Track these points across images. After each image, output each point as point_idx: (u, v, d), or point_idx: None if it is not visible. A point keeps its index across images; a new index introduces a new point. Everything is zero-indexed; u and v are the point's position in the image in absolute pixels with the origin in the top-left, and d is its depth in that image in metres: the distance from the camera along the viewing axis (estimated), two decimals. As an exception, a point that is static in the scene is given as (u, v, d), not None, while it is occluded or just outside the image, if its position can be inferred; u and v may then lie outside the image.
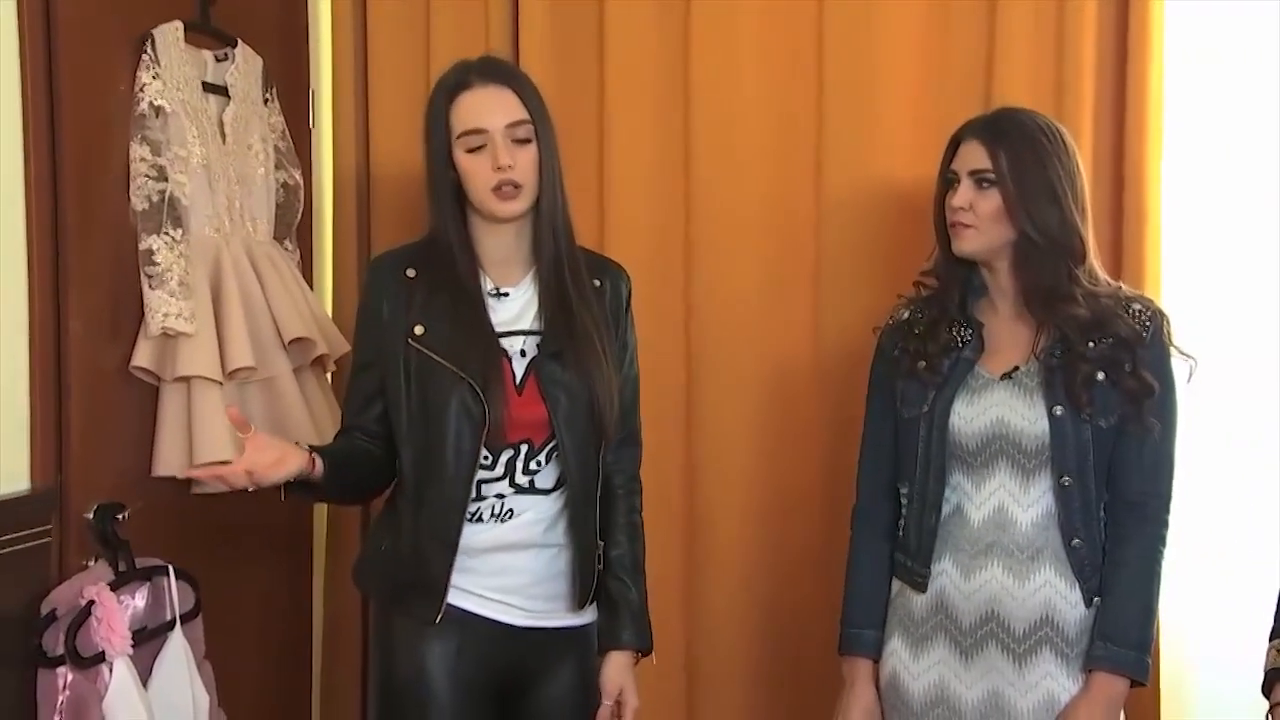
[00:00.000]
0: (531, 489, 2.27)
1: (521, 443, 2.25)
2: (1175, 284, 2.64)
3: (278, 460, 2.12)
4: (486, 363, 2.21)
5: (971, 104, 2.63)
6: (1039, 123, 2.29)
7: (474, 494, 2.24)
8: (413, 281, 2.27)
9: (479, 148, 2.22)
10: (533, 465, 2.27)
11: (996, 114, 2.33)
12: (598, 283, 2.34)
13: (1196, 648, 2.69)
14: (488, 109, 2.22)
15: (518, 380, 2.25)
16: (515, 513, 2.27)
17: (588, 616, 2.35)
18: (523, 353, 2.26)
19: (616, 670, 2.33)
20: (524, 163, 2.22)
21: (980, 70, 2.73)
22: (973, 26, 2.75)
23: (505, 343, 2.26)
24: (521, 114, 2.23)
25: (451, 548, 2.23)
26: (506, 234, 2.29)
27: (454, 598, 2.26)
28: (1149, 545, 2.24)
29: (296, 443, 2.19)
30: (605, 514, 2.35)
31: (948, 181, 2.30)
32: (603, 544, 2.33)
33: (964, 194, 2.25)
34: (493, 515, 2.26)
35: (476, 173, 2.22)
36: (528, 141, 2.23)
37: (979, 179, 2.25)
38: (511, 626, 2.28)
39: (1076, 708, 2.20)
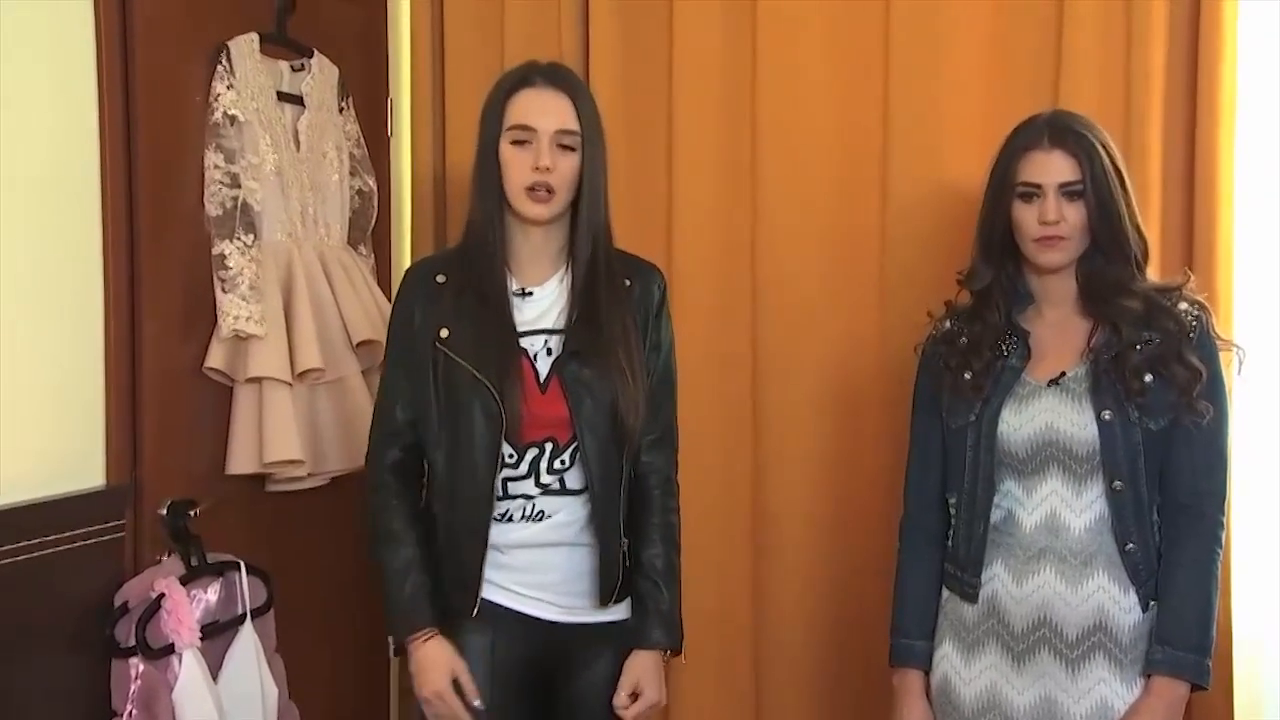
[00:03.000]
0: (562, 490, 2.31)
1: (545, 441, 2.28)
2: (1247, 290, 2.59)
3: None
4: (504, 362, 2.25)
5: (1039, 106, 2.55)
6: (1096, 126, 2.28)
7: (500, 492, 2.28)
8: (442, 287, 2.32)
9: (524, 142, 2.26)
10: (557, 464, 2.30)
11: (1065, 120, 2.29)
12: (627, 282, 2.36)
13: (1272, 664, 2.63)
14: (542, 110, 2.27)
15: (541, 379, 2.28)
16: (546, 514, 2.31)
17: (623, 612, 2.38)
18: (548, 351, 2.30)
19: (638, 665, 2.34)
20: (563, 168, 2.26)
21: (1048, 72, 2.70)
22: (1040, 27, 2.72)
23: (527, 341, 2.29)
24: (573, 124, 2.26)
25: (482, 542, 2.27)
26: (535, 234, 2.33)
27: (489, 593, 2.30)
28: (1204, 546, 2.21)
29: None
30: (639, 515, 2.37)
31: (1024, 194, 2.25)
32: (627, 542, 2.34)
33: (1056, 207, 2.22)
34: (524, 516, 2.30)
35: (516, 167, 2.26)
36: (572, 150, 2.26)
37: (1069, 191, 2.22)
38: (545, 621, 2.33)
39: (1138, 713, 2.18)
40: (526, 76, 2.31)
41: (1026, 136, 2.27)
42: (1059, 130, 2.25)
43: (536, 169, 2.24)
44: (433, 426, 2.30)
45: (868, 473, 2.87)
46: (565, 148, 2.26)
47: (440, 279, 2.33)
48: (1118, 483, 2.19)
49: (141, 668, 2.30)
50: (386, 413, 2.36)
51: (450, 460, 2.29)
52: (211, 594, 2.47)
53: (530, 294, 2.33)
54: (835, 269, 2.89)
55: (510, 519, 2.30)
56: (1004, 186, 2.28)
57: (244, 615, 2.51)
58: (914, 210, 2.79)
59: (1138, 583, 2.20)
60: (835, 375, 2.91)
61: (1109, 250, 2.24)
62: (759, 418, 2.95)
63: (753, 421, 2.96)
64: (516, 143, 2.27)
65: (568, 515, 2.31)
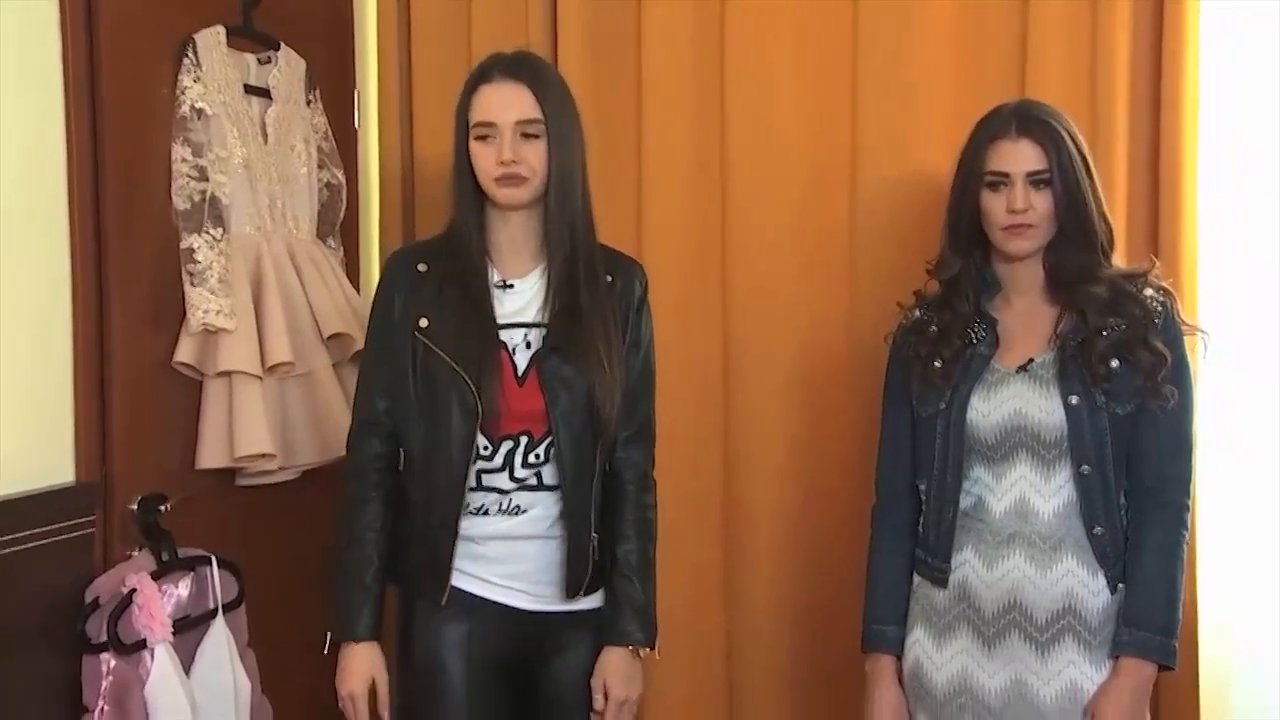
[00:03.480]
0: (539, 485, 2.32)
1: (521, 434, 2.29)
2: (1211, 275, 2.61)
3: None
4: (483, 354, 2.26)
5: (1007, 97, 2.54)
6: (1063, 115, 2.30)
7: (474, 483, 2.29)
8: (423, 276, 2.33)
9: (487, 138, 2.27)
10: (532, 458, 2.31)
11: (1032, 109, 2.30)
12: (609, 278, 2.37)
13: (1238, 647, 2.67)
14: (500, 105, 2.28)
15: (519, 372, 2.29)
16: (523, 509, 2.32)
17: (598, 600, 2.39)
18: (527, 344, 2.30)
19: (608, 663, 2.36)
20: (530, 157, 2.26)
21: (1015, 63, 2.72)
22: (1006, 19, 2.73)
23: (507, 334, 2.30)
24: (533, 113, 2.27)
25: (453, 532, 2.29)
26: (516, 225, 2.34)
27: (464, 583, 2.32)
28: (1170, 530, 2.24)
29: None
30: (615, 510, 2.39)
31: (992, 184, 2.27)
32: (597, 537, 2.35)
33: (1024, 196, 2.23)
34: (501, 511, 2.31)
35: (483, 162, 2.28)
36: (537, 138, 2.27)
37: (1036, 180, 2.24)
38: (520, 610, 2.34)
39: (1106, 694, 2.20)
40: (487, 71, 2.32)
41: (994, 126, 2.29)
42: (1026, 119, 2.26)
43: (501, 162, 2.25)
44: (410, 416, 2.31)
45: (838, 463, 2.88)
46: (529, 136, 2.27)
47: (422, 268, 2.34)
48: (1085, 467, 2.22)
49: (113, 663, 2.29)
50: (367, 401, 2.37)
51: (425, 450, 2.30)
52: (183, 589, 2.45)
53: (511, 286, 2.34)
54: (805, 261, 2.90)
55: (486, 513, 2.32)
56: (972, 176, 2.30)
57: (216, 610, 2.50)
58: (883, 202, 2.80)
59: (1106, 566, 2.23)
60: (805, 366, 2.91)
61: (1075, 238, 2.26)
62: (729, 410, 2.96)
63: (723, 414, 2.96)
64: (480, 139, 2.28)
65: (544, 510, 2.33)
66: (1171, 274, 2.46)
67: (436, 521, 2.30)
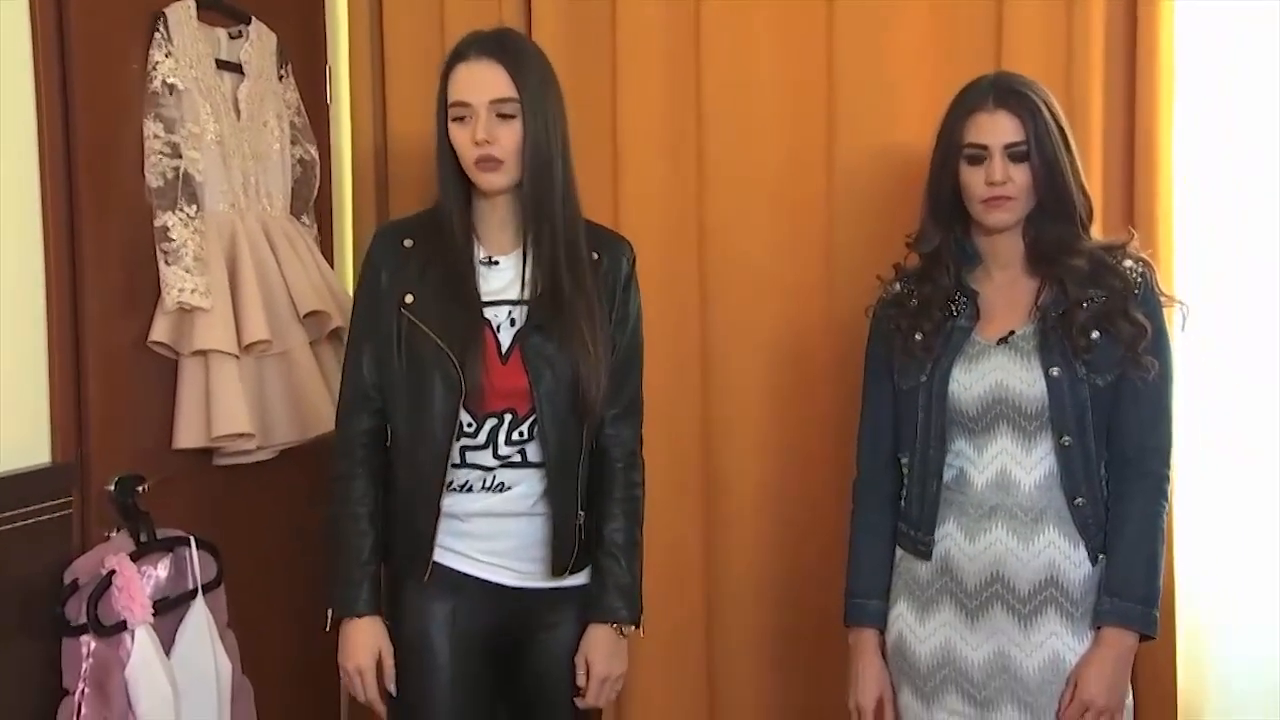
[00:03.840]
0: (523, 463, 2.31)
1: (505, 412, 2.28)
2: (1188, 252, 2.63)
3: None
4: (467, 331, 2.25)
5: (983, 69, 2.56)
6: (1040, 86, 2.29)
7: (458, 460, 2.29)
8: (409, 251, 2.32)
9: (463, 118, 2.25)
10: (515, 436, 2.30)
11: (1009, 81, 2.30)
12: (595, 256, 2.35)
13: (1212, 613, 2.70)
14: (474, 84, 2.25)
15: (503, 350, 2.28)
16: (507, 485, 2.31)
17: (583, 578, 2.39)
18: (512, 321, 2.29)
19: (592, 640, 2.36)
20: (505, 139, 2.24)
21: (991, 35, 2.72)
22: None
23: (491, 312, 2.29)
24: (507, 91, 2.24)
25: (434, 509, 2.29)
26: (498, 204, 2.32)
27: (448, 559, 2.32)
28: (1150, 500, 2.25)
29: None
30: (601, 489, 2.38)
31: (971, 157, 2.26)
32: (584, 515, 2.35)
33: (1002, 168, 2.23)
34: (485, 488, 2.31)
35: (461, 143, 2.26)
36: (512, 117, 2.24)
37: (1013, 152, 2.23)
38: (504, 587, 2.34)
39: (1088, 664, 2.22)
40: (462, 50, 2.29)
41: (972, 99, 2.29)
42: (1003, 91, 2.26)
43: (476, 143, 2.23)
44: (395, 391, 2.31)
45: (817, 437, 2.88)
46: (505, 116, 2.24)
47: (408, 243, 2.33)
48: (1066, 438, 2.23)
49: (93, 645, 2.27)
50: (355, 376, 2.36)
51: (409, 427, 2.30)
52: (161, 570, 2.44)
53: (496, 263, 2.33)
54: (783, 235, 2.89)
55: (470, 489, 2.31)
56: (950, 148, 2.29)
57: (195, 591, 2.48)
58: (860, 176, 2.80)
59: (1087, 537, 2.24)
60: (784, 339, 2.91)
61: (1054, 210, 2.27)
62: (709, 383, 2.96)
63: (702, 387, 2.96)
64: (457, 119, 2.26)
65: (528, 488, 2.32)
66: (1148, 245, 2.47)
67: (420, 497, 2.30)
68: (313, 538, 2.95)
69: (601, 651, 2.36)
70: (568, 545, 2.33)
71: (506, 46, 2.31)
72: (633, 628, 2.40)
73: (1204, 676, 2.70)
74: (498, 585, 2.34)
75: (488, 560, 2.33)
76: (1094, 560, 2.25)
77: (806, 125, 2.86)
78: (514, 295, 2.31)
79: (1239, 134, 2.64)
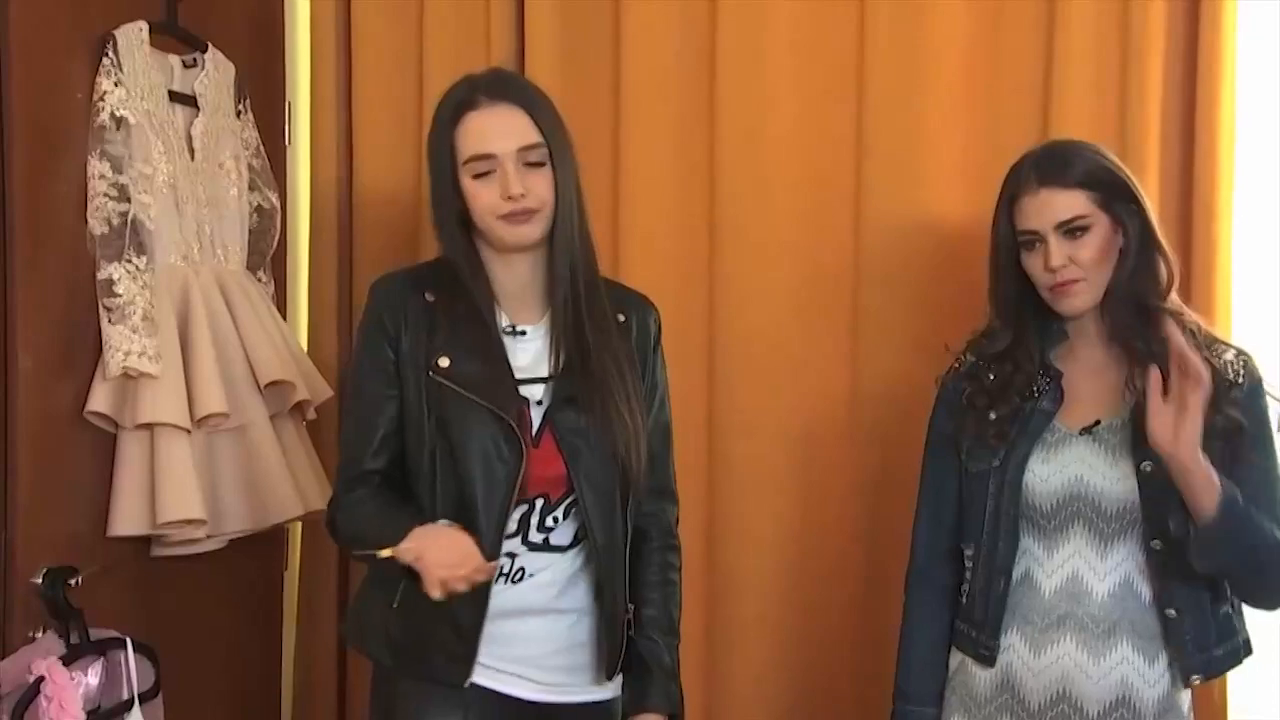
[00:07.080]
0: (546, 546, 2.12)
1: (537, 498, 2.09)
2: (1246, 321, 2.50)
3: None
4: (518, 408, 2.06)
5: (1027, 124, 2.51)
6: (1101, 151, 2.13)
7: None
8: (433, 306, 2.09)
9: (486, 173, 2.05)
10: (548, 522, 2.10)
11: (1050, 152, 2.14)
12: (621, 318, 2.17)
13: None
14: (496, 132, 2.06)
15: (533, 432, 2.08)
16: (528, 572, 2.11)
17: (611, 690, 2.17)
18: (539, 402, 2.10)
19: None
20: (538, 188, 2.06)
21: (1037, 89, 2.55)
22: (1029, 41, 2.57)
23: (525, 390, 2.09)
24: (534, 137, 2.06)
25: (483, 603, 2.05)
26: (521, 265, 2.13)
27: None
28: None
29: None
30: (636, 571, 2.21)
31: (1026, 243, 2.11)
32: (632, 607, 2.16)
33: (1059, 251, 2.07)
34: (502, 575, 2.08)
35: (484, 200, 2.06)
36: (541, 165, 2.06)
37: (1070, 229, 2.07)
38: (524, 701, 2.11)
39: None
40: (468, 97, 2.09)
41: (1014, 183, 2.14)
42: (1045, 167, 2.10)
43: (509, 198, 2.03)
44: (424, 468, 2.07)
45: (840, 530, 2.68)
46: (533, 164, 2.05)
47: (430, 297, 2.10)
48: (1157, 542, 2.04)
49: (19, 765, 2.09)
50: (355, 460, 2.11)
51: (449, 508, 2.04)
52: (93, 677, 2.27)
53: (523, 333, 2.12)
54: (802, 302, 2.69)
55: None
56: (1005, 240, 2.15)
57: (131, 701, 2.30)
58: (890, 240, 2.62)
59: (1180, 655, 2.06)
60: (801, 420, 2.70)
61: (1127, 288, 2.08)
62: (714, 468, 2.74)
63: (707, 471, 2.74)
64: (480, 175, 2.05)
65: (551, 575, 2.12)
66: (1205, 307, 2.35)
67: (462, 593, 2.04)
68: (260, 641, 2.85)
69: None
70: (617, 642, 2.12)
71: (518, 87, 2.15)
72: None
73: None
74: (516, 699, 2.11)
75: (506, 669, 2.10)
76: (1185, 682, 2.07)
77: (832, 180, 2.67)
78: (544, 372, 2.11)
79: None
